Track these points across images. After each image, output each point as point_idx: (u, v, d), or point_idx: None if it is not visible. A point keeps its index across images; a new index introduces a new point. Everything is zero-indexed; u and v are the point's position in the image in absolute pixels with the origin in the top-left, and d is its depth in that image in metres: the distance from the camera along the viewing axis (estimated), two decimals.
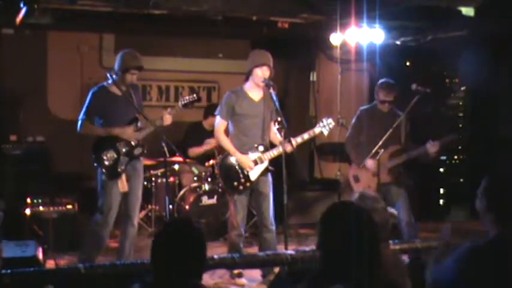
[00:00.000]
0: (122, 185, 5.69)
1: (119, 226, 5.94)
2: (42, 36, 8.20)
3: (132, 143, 5.75)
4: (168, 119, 5.77)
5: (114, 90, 5.72)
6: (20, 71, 7.90)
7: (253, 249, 6.40)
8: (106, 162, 5.65)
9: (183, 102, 5.91)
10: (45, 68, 8.31)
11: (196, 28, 7.77)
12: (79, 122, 5.71)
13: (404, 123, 6.31)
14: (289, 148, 5.62)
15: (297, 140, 5.75)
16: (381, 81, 6.51)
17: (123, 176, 5.70)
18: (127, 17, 7.04)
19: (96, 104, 5.69)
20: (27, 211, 6.53)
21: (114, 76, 5.65)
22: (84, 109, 5.72)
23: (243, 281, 5.81)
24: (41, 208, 6.64)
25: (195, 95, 6.00)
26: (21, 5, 6.01)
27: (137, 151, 5.78)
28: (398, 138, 6.32)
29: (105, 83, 5.76)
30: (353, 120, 6.57)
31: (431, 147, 6.15)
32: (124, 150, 5.72)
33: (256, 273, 5.92)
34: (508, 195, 2.77)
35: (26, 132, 7.62)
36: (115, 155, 5.68)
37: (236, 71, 7.96)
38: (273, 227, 5.80)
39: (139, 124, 5.78)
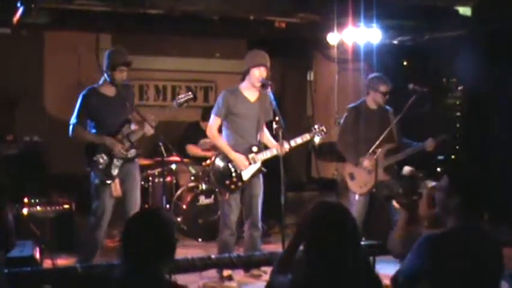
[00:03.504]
0: (115, 189, 5.54)
1: (117, 226, 5.90)
2: (39, 36, 8.19)
3: (126, 145, 5.57)
4: (150, 130, 5.53)
5: (105, 91, 5.59)
6: (16, 71, 7.89)
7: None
8: (99, 166, 5.51)
9: (178, 101, 5.69)
10: (42, 68, 8.31)
11: (193, 28, 7.75)
12: (70, 127, 5.56)
13: (393, 120, 6.33)
14: (284, 150, 5.63)
15: (291, 143, 5.74)
16: (374, 75, 6.47)
17: (117, 180, 5.55)
18: (124, 17, 7.03)
19: (88, 107, 5.55)
20: (24, 211, 6.51)
21: (105, 76, 5.55)
22: (75, 113, 5.56)
23: (233, 284, 5.73)
24: (38, 208, 6.62)
25: (190, 93, 5.75)
26: (18, 5, 6.00)
27: (131, 154, 5.63)
28: (392, 136, 6.34)
29: (95, 85, 5.63)
30: (343, 119, 6.57)
31: (429, 145, 6.22)
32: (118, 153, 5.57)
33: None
34: (475, 190, 3.12)
35: (22, 132, 7.59)
36: (108, 159, 5.53)
37: (233, 70, 7.96)
38: (261, 226, 5.89)
39: (132, 126, 5.64)
